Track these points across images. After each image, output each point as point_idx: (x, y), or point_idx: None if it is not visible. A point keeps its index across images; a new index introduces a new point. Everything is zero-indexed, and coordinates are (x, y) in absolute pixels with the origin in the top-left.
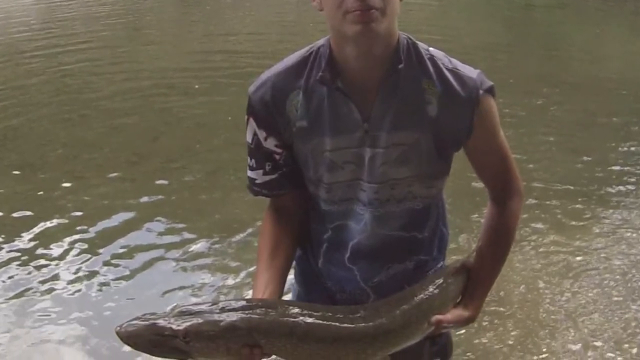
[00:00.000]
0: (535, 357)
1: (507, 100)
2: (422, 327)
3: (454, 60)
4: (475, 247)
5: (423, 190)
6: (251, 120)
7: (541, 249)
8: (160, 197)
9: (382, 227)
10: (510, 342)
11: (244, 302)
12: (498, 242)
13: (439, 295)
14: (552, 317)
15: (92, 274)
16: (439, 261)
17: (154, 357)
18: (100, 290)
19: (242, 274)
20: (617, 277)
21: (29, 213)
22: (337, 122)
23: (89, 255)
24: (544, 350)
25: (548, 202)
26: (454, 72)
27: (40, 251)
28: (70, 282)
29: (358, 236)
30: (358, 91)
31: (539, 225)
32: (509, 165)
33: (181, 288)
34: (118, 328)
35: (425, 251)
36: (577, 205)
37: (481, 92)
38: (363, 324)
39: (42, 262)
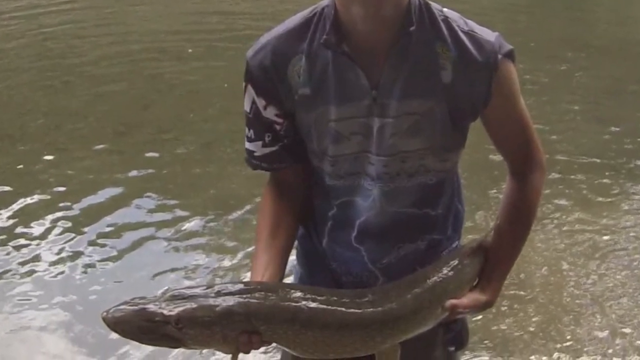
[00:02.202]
0: (558, 345)
1: (528, 65)
2: (435, 313)
3: (470, 22)
4: (493, 225)
5: (437, 163)
6: (249, 87)
7: (565, 228)
8: (150, 171)
9: (392, 204)
10: (532, 329)
11: (241, 286)
12: (518, 219)
13: (454, 278)
14: (577, 301)
15: (76, 255)
16: (454, 241)
17: (143, 345)
18: (85, 272)
19: (240, 255)
20: None
21: (7, 188)
22: (343, 90)
23: (73, 235)
24: (568, 337)
25: (573, 177)
26: (470, 35)
27: (19, 230)
28: (53, 263)
29: (366, 213)
30: (366, 56)
31: (563, 202)
32: (530, 136)
33: (173, 270)
34: (104, 314)
35: (438, 230)
36: (604, 180)
37: (500, 56)
38: (371, 309)
39: (22, 241)
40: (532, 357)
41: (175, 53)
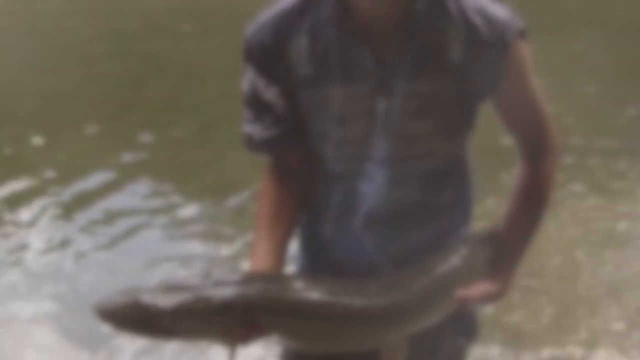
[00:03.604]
0: (572, 338)
1: (542, 44)
2: (443, 304)
3: None
4: (504, 212)
5: (445, 147)
6: (249, 67)
7: (580, 215)
8: (144, 155)
9: (398, 190)
10: (545, 321)
11: (240, 276)
12: (531, 206)
13: (463, 268)
14: (592, 292)
15: (67, 243)
16: (463, 228)
17: (137, 338)
18: (75, 261)
19: (239, 243)
20: None
21: None
22: (347, 69)
23: (63, 222)
24: (583, 330)
25: (588, 162)
26: (481, 12)
27: (7, 216)
28: (42, 252)
29: (371, 200)
30: (371, 34)
31: (578, 188)
32: (543, 118)
33: (168, 259)
34: (96, 305)
35: (447, 217)
36: (621, 165)
37: (512, 35)
38: (376, 300)
39: (10, 229)
40: (545, 350)
41: (171, 31)
